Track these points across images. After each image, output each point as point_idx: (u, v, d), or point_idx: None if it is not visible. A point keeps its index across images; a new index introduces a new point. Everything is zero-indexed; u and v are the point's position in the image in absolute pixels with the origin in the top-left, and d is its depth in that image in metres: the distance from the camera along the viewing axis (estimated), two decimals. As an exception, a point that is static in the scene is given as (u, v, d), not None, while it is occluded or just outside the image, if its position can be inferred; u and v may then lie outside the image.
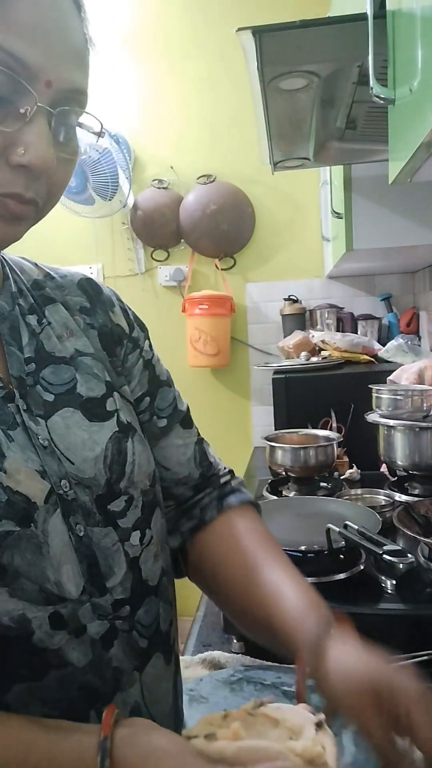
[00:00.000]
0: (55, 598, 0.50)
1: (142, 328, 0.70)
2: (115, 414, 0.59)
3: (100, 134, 0.54)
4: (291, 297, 2.43)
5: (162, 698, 0.59)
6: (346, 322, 2.34)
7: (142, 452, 0.60)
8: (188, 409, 0.72)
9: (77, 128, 0.51)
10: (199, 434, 0.72)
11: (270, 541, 0.66)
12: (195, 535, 0.68)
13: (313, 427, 1.65)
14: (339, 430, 1.63)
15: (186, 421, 0.71)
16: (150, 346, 0.70)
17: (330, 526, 0.92)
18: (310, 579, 0.90)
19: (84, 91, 0.49)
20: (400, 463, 1.36)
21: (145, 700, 0.56)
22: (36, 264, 0.64)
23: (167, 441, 0.68)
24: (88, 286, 0.65)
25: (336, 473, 1.56)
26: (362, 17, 0.89)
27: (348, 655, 0.50)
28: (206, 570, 0.67)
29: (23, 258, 0.64)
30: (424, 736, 0.44)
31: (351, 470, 1.57)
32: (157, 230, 2.54)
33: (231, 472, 0.75)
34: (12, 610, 0.47)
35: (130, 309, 0.69)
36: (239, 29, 0.93)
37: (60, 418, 0.55)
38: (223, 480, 0.72)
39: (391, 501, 1.22)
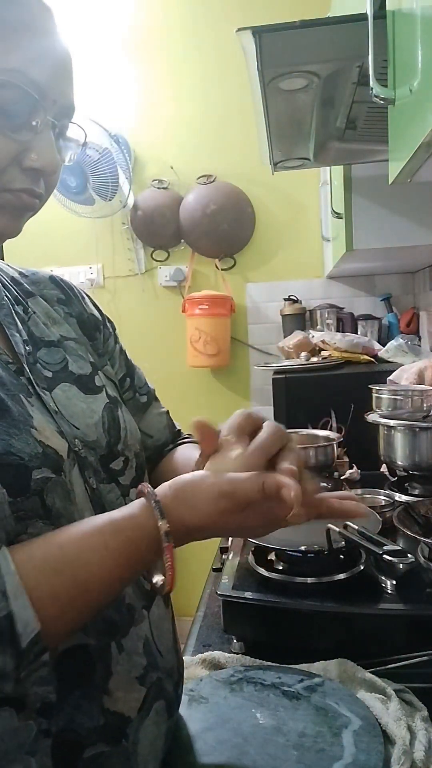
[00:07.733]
0: None
1: (110, 321, 0.79)
2: (104, 388, 0.68)
3: (84, 144, 0.64)
4: (291, 297, 2.43)
5: (165, 635, 0.66)
6: (346, 322, 2.34)
7: (130, 421, 0.70)
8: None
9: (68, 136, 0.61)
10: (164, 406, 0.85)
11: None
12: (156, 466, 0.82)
13: (313, 427, 1.65)
14: (339, 430, 1.63)
15: (157, 397, 0.84)
16: (118, 337, 0.80)
17: (330, 526, 0.91)
18: (309, 579, 0.91)
19: (74, 105, 0.60)
20: (400, 463, 1.36)
21: (153, 635, 0.63)
22: (8, 264, 0.71)
23: (149, 413, 0.81)
24: (59, 281, 0.73)
25: (336, 473, 1.56)
26: (362, 17, 0.89)
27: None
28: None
29: None
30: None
31: (351, 470, 1.56)
32: (157, 230, 2.54)
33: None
34: None
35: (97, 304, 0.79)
36: (239, 29, 0.93)
37: (60, 391, 0.62)
38: (178, 433, 0.86)
39: (391, 501, 1.21)
